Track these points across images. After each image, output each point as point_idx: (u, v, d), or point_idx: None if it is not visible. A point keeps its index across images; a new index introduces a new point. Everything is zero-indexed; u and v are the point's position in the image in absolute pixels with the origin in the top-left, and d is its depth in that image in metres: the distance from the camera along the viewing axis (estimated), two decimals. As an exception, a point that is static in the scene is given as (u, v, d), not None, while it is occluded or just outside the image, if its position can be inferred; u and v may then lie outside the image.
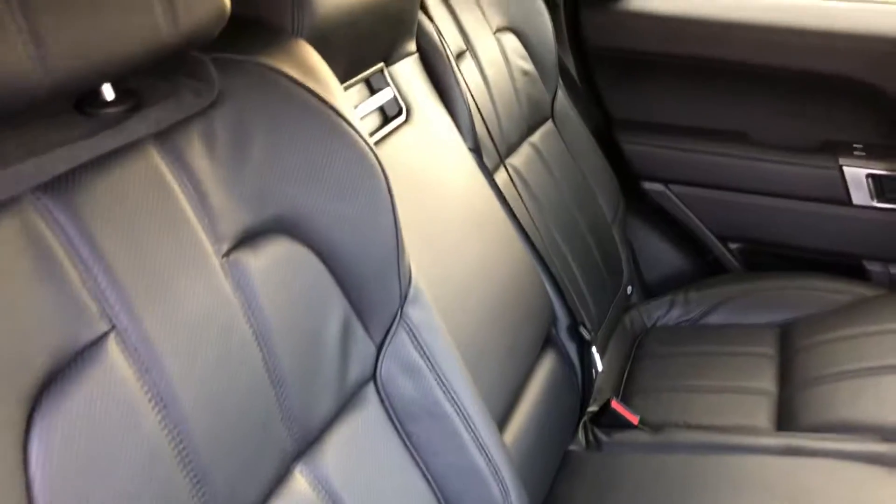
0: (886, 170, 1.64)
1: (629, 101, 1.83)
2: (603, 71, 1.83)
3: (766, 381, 1.44)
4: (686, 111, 1.78)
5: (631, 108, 1.83)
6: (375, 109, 1.04)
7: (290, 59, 0.76)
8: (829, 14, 1.62)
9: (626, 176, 1.83)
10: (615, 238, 1.68)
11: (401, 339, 0.84)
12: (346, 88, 0.98)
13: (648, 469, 1.23)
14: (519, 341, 1.16)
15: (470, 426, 0.86)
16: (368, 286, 0.79)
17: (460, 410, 0.85)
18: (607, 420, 1.36)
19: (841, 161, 1.66)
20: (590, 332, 1.31)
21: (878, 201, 1.66)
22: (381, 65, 1.05)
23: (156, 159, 0.62)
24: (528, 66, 1.58)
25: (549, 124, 1.61)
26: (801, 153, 1.71)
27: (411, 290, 0.85)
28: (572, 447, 1.32)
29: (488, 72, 1.40)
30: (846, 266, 1.72)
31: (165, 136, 0.64)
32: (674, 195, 1.81)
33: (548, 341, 1.28)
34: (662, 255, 1.86)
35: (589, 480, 1.24)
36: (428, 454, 0.84)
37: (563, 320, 1.30)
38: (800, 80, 1.67)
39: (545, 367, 1.24)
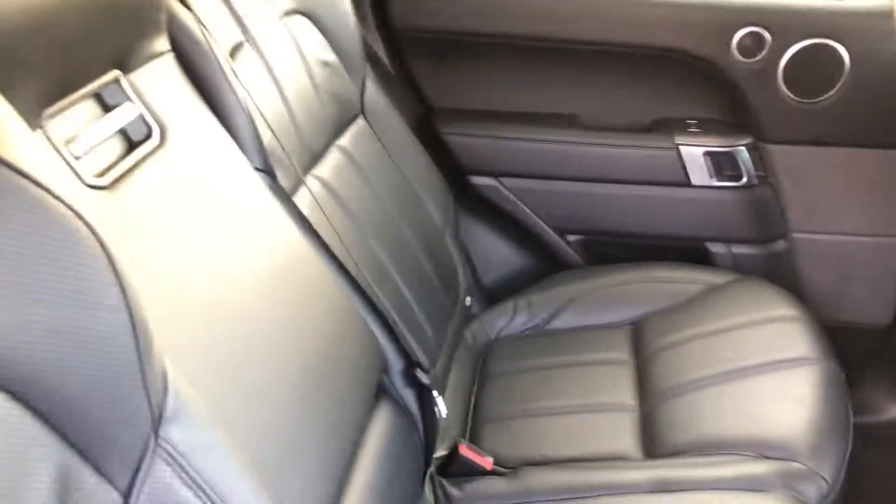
0: (723, 146, 1.54)
1: (449, 88, 1.63)
2: (417, 55, 1.62)
3: (625, 394, 1.29)
4: (511, 96, 1.61)
5: (451, 96, 1.63)
6: (113, 135, 0.76)
7: None
8: (653, -17, 1.49)
9: (453, 172, 1.63)
10: (448, 245, 1.48)
11: (159, 475, 0.58)
12: (58, 111, 0.70)
13: (509, 529, 1.05)
14: (346, 404, 0.93)
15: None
16: (94, 415, 0.54)
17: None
18: (457, 468, 1.17)
19: (677, 140, 1.55)
20: (427, 373, 1.10)
21: (717, 179, 1.56)
22: (114, 73, 0.77)
23: None
24: (327, 55, 1.33)
25: (359, 122, 1.38)
26: (635, 134, 1.58)
27: (169, 403, 0.60)
28: (420, 509, 1.12)
29: (276, 67, 1.15)
30: (690, 250, 1.62)
31: None
32: (506, 189, 1.64)
33: (381, 391, 1.06)
34: (500, 255, 1.69)
35: (440, 550, 1.05)
36: None
37: (395, 363, 1.08)
38: (627, 55, 1.53)
39: (380, 425, 1.02)
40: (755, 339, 1.30)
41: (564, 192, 1.63)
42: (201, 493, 0.60)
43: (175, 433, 0.59)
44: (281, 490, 0.71)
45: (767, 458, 1.08)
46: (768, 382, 1.20)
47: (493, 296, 1.63)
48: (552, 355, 1.42)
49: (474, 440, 1.25)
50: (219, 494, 0.61)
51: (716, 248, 1.63)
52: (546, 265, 1.68)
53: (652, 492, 1.05)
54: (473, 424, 1.31)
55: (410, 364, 1.09)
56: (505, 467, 1.17)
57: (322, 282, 0.97)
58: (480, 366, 1.45)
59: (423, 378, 1.08)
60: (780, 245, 1.62)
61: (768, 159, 1.55)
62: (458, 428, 1.28)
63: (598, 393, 1.31)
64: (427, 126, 1.62)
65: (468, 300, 1.51)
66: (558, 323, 1.52)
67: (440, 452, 1.19)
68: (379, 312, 1.09)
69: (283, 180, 1.03)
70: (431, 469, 1.17)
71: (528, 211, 1.65)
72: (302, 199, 1.07)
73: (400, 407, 1.09)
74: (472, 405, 1.35)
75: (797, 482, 1.06)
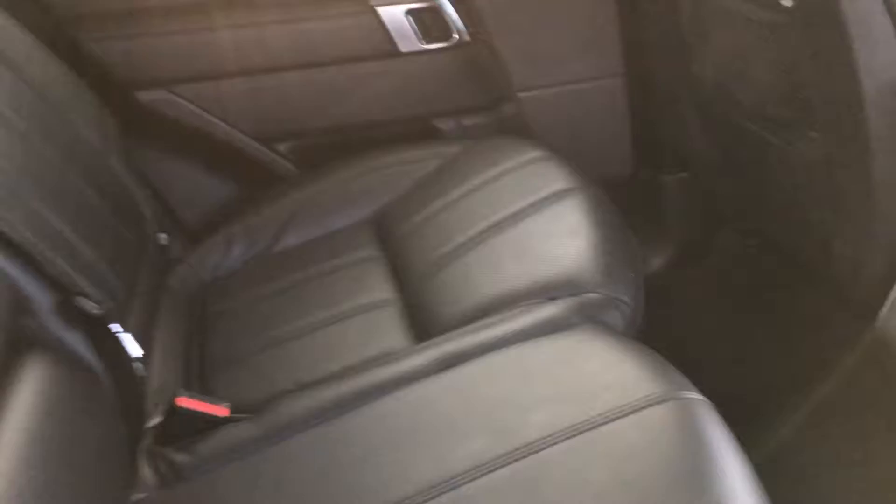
0: (424, 0, 1.34)
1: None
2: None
3: (382, 289, 1.05)
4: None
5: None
6: None
7: None
8: None
9: (113, 88, 1.27)
10: (115, 171, 1.13)
11: None
12: None
13: (266, 478, 0.75)
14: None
15: None
16: None
17: None
18: (181, 428, 0.85)
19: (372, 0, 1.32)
20: (99, 303, 0.77)
21: (427, 42, 1.36)
22: None
23: None
24: None
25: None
26: (320, 2, 1.32)
27: None
28: (137, 496, 0.79)
29: None
30: (416, 133, 1.41)
31: None
32: (183, 100, 1.31)
33: (25, 342, 0.71)
34: (194, 183, 1.37)
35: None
36: None
37: (42, 298, 0.74)
38: None
39: (27, 391, 0.67)
40: (509, 187, 1.11)
41: (255, 91, 1.34)
42: None
43: None
44: None
45: (559, 298, 0.88)
46: (535, 224, 1.02)
47: (199, 234, 1.31)
48: (289, 274, 1.14)
49: (206, 392, 0.94)
50: None
51: (444, 125, 1.44)
52: (257, 185, 1.38)
53: (438, 372, 0.81)
54: (202, 373, 0.99)
55: (67, 295, 0.75)
56: (249, 411, 0.87)
57: None
58: (199, 311, 1.13)
59: (91, 306, 0.74)
60: (509, 108, 1.46)
61: (474, 10, 1.37)
62: (177, 384, 0.95)
63: (350, 298, 1.05)
64: (61, 35, 1.25)
65: (162, 237, 1.18)
66: (289, 241, 1.23)
67: (156, 420, 0.86)
68: (6, 240, 0.74)
69: None
70: (147, 442, 0.84)
71: (218, 122, 1.34)
72: None
73: (65, 361, 0.74)
74: (194, 355, 1.03)
75: (599, 312, 0.88)
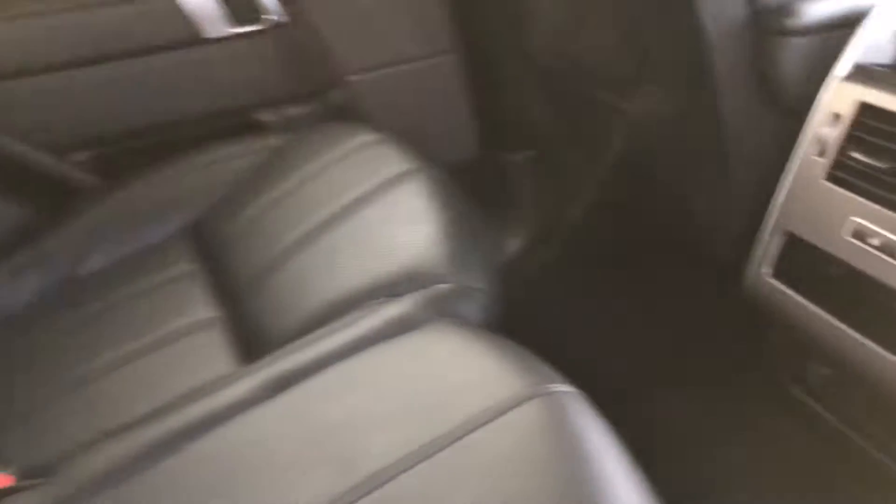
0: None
1: None
2: None
3: (202, 307, 0.90)
4: None
5: None
6: None
7: None
8: None
9: None
10: None
11: None
12: None
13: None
14: None
15: None
16: None
17: None
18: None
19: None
20: None
21: (237, 25, 1.21)
22: None
23: None
24: None
25: None
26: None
27: None
28: None
29: None
30: (234, 128, 1.26)
31: None
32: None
33: None
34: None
35: None
36: None
37: None
38: None
39: None
40: (341, 176, 0.99)
41: (38, 94, 1.15)
42: None
43: None
44: None
45: (404, 293, 0.77)
46: (373, 213, 0.90)
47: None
48: (93, 302, 0.97)
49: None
50: None
51: (266, 117, 1.29)
52: (51, 204, 1.19)
53: (270, 397, 0.68)
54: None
55: None
56: (41, 475, 0.70)
57: None
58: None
59: None
60: (337, 95, 1.34)
61: (288, -13, 1.24)
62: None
63: (166, 321, 0.89)
64: None
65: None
66: (93, 263, 1.06)
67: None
68: None
69: None
70: None
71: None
72: None
73: None
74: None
75: (451, 304, 0.77)
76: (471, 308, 0.77)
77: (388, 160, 0.99)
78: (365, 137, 1.06)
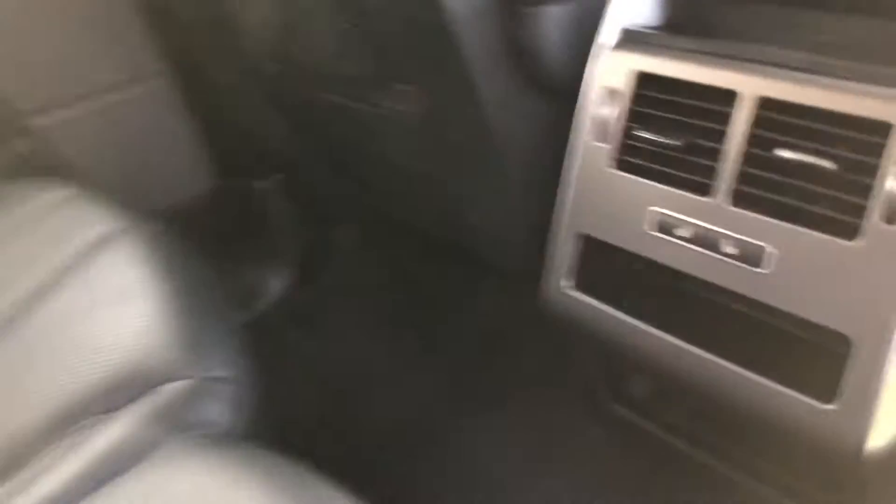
0: None
1: None
2: None
3: None
4: None
5: None
6: None
7: None
8: None
9: None
10: None
11: None
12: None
13: None
14: None
15: None
16: None
17: None
18: None
19: None
20: None
21: None
22: None
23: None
24: None
25: None
26: None
27: None
28: None
29: None
30: None
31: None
32: None
33: None
34: None
35: None
36: None
37: None
38: None
39: None
40: (25, 248, 0.75)
41: None
42: None
43: None
44: None
45: (122, 406, 0.56)
46: (70, 294, 0.67)
47: None
48: None
49: None
50: None
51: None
52: None
53: None
54: None
55: None
56: None
57: None
58: None
59: None
60: (22, 143, 1.08)
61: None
62: None
63: None
64: None
65: None
66: None
67: None
68: None
69: None
70: None
71: None
72: None
73: None
74: None
75: (193, 409, 0.57)
76: (217, 408, 0.58)
77: (87, 221, 0.76)
78: (55, 194, 0.82)
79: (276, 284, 1.30)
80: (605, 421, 0.79)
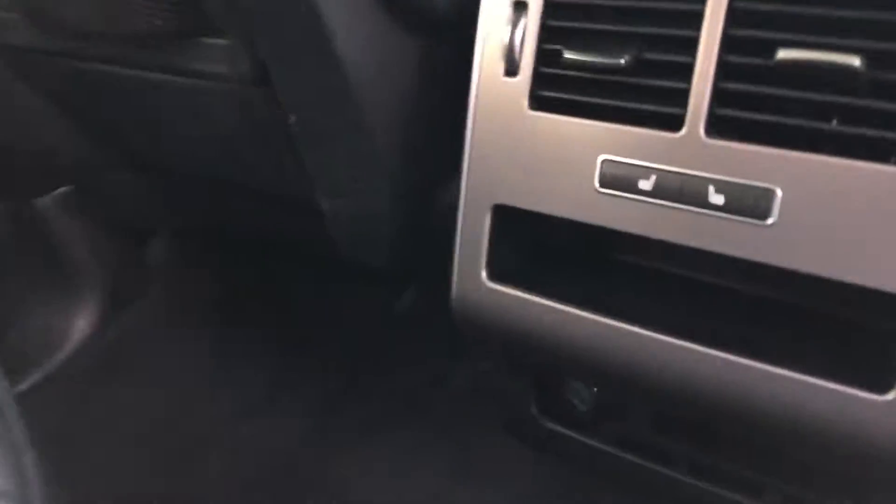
0: None
1: None
2: None
3: None
4: None
5: None
6: None
7: None
8: None
9: None
10: None
11: None
12: None
13: None
14: None
15: None
16: None
17: None
18: None
19: None
20: None
21: None
22: None
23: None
24: None
25: None
26: None
27: None
28: None
29: None
30: None
31: None
32: None
33: None
34: None
35: None
36: None
37: None
38: None
39: None
40: None
41: None
42: None
43: None
44: None
45: None
46: None
47: None
48: None
49: None
50: None
51: None
52: None
53: None
54: None
55: None
56: None
57: None
58: None
59: None
60: None
61: None
62: None
63: None
64: None
65: None
66: None
67: None
68: None
69: None
70: None
71: None
72: None
73: None
74: None
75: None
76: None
77: None
78: None
79: (78, 324, 1.04)
80: (534, 440, 0.63)
